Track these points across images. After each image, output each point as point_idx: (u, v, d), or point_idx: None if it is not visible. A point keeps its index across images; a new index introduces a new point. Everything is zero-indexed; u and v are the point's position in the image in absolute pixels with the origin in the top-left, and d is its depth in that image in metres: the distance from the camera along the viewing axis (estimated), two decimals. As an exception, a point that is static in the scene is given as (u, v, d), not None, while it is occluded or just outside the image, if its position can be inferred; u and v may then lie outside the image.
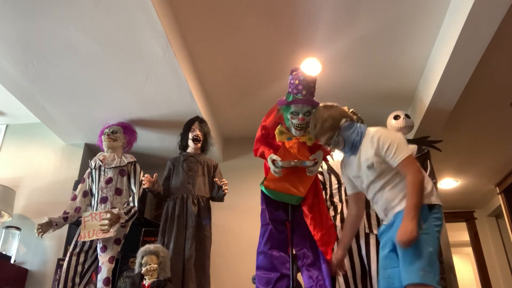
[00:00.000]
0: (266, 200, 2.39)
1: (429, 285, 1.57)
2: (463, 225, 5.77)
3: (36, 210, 3.45)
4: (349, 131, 1.95)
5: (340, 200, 2.68)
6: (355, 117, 2.90)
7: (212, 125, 3.54)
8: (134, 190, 2.87)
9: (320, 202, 2.42)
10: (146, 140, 3.57)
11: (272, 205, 2.38)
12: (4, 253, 3.18)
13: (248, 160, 3.71)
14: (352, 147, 1.95)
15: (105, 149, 3.04)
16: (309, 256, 2.27)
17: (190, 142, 2.99)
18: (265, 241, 2.30)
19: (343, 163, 2.08)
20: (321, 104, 2.09)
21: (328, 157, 2.77)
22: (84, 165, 3.50)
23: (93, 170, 2.94)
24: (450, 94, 2.97)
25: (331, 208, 2.73)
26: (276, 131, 2.33)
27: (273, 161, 2.20)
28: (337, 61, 3.04)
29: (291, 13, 2.64)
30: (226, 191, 2.84)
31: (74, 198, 2.91)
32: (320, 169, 2.82)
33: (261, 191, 2.38)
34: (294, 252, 2.30)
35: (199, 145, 3.00)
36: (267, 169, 2.41)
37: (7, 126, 3.93)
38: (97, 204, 2.82)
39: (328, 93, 3.08)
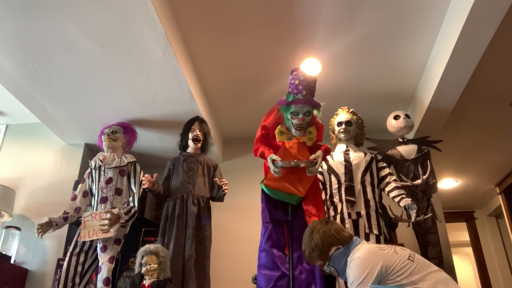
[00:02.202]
0: (266, 199, 2.39)
1: None
2: (463, 225, 5.77)
3: (36, 210, 3.45)
4: (340, 261, 1.82)
5: (340, 200, 2.69)
6: (355, 117, 2.93)
7: (212, 125, 3.54)
8: (134, 190, 2.87)
9: (322, 202, 2.43)
10: (146, 140, 3.56)
11: (272, 204, 2.38)
12: (4, 253, 3.18)
13: (248, 160, 3.71)
14: (343, 276, 1.84)
15: (105, 149, 3.04)
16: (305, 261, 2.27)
17: (190, 142, 3.00)
18: (266, 239, 2.30)
19: None
20: (315, 223, 1.95)
21: (328, 157, 2.77)
22: (84, 165, 3.50)
23: (93, 170, 2.94)
24: (450, 94, 2.97)
25: (331, 208, 2.73)
26: (276, 131, 2.33)
27: (273, 161, 2.20)
28: (337, 61, 3.04)
29: (291, 13, 2.64)
30: (226, 191, 2.84)
31: (74, 198, 2.91)
32: (320, 169, 2.82)
33: (262, 189, 2.38)
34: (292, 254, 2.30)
35: (199, 145, 3.00)
36: (266, 169, 2.41)
37: (7, 126, 3.93)
38: (97, 204, 2.82)
39: (328, 93, 3.08)
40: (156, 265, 2.37)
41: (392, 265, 1.65)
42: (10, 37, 2.54)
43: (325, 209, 2.77)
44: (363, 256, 1.71)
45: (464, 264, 6.33)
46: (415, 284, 1.60)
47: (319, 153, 2.27)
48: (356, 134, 2.91)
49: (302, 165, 2.21)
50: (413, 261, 1.66)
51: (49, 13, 2.35)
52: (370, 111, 3.34)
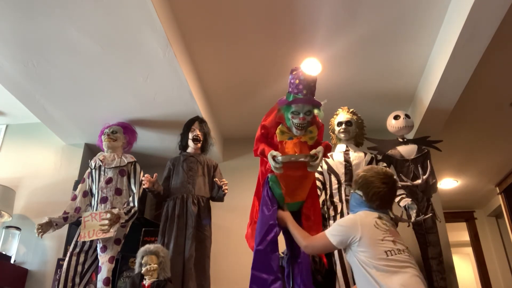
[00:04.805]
0: (274, 200, 2.32)
1: None
2: (463, 225, 5.77)
3: (36, 210, 3.45)
4: (353, 200, 1.95)
5: (340, 200, 2.69)
6: (355, 117, 2.93)
7: (212, 125, 3.54)
8: (134, 190, 2.87)
9: (319, 206, 2.43)
10: (146, 140, 3.56)
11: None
12: (4, 253, 3.18)
13: (248, 160, 3.71)
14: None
15: (105, 149, 3.04)
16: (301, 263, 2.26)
17: (190, 142, 3.00)
18: (266, 239, 2.25)
19: None
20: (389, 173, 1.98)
21: (328, 156, 2.77)
22: (84, 165, 3.50)
23: (93, 170, 2.94)
24: (450, 94, 2.97)
25: (331, 208, 2.73)
26: (277, 131, 2.32)
27: (273, 157, 2.19)
28: (337, 61, 3.04)
29: (291, 13, 2.64)
30: (226, 191, 2.84)
31: (74, 198, 2.91)
32: (320, 169, 2.82)
33: (267, 190, 2.32)
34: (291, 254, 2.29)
35: (199, 145, 3.00)
36: (262, 172, 2.40)
37: (7, 126, 3.93)
38: (97, 204, 2.82)
39: (328, 93, 3.07)
40: (156, 265, 2.37)
41: (369, 247, 1.70)
42: (10, 37, 2.54)
43: (325, 209, 2.77)
44: (355, 218, 1.82)
45: (464, 264, 6.33)
46: (377, 270, 1.65)
47: (319, 148, 2.24)
48: (356, 134, 2.91)
49: (302, 159, 2.20)
50: (386, 258, 1.68)
51: (49, 13, 2.35)
52: (370, 111, 3.34)
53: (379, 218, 1.81)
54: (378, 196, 1.85)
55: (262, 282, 2.14)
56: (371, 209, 1.85)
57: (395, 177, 1.98)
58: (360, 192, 1.90)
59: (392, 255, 1.68)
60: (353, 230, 1.76)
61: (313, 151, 2.21)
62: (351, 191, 1.98)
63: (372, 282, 1.63)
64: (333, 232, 1.82)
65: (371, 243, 1.71)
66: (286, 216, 2.14)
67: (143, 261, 2.39)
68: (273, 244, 2.24)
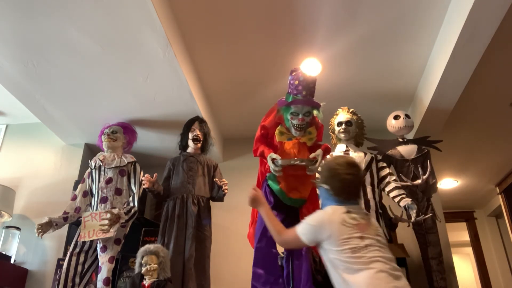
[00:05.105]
0: (274, 198, 2.33)
1: None
2: (463, 225, 5.77)
3: (36, 210, 3.45)
4: (321, 194, 1.91)
5: (340, 200, 2.68)
6: (355, 117, 2.93)
7: (212, 125, 3.54)
8: (134, 190, 2.87)
9: (319, 207, 2.42)
10: (146, 140, 3.56)
11: (275, 205, 2.36)
12: (4, 253, 3.18)
13: (248, 160, 3.70)
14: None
15: (105, 149, 3.04)
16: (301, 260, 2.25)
17: (190, 142, 3.00)
18: (269, 237, 2.26)
19: None
20: (335, 159, 1.95)
21: (328, 156, 2.76)
22: (84, 165, 3.50)
23: (93, 170, 2.94)
24: (450, 94, 2.97)
25: (331, 208, 2.72)
26: (276, 132, 2.33)
27: (273, 160, 2.19)
28: (337, 61, 3.04)
29: (291, 13, 2.64)
30: (226, 191, 2.84)
31: (74, 198, 2.91)
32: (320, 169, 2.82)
33: (267, 187, 2.34)
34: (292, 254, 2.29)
35: (199, 145, 3.00)
36: (261, 172, 2.40)
37: (7, 126, 3.93)
38: (97, 204, 2.82)
39: (328, 93, 3.08)
40: (156, 265, 2.37)
41: (336, 245, 1.66)
42: (10, 37, 2.54)
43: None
44: (322, 216, 1.76)
45: (464, 264, 6.33)
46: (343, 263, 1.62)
47: (319, 151, 2.25)
48: (356, 134, 2.90)
49: (302, 163, 2.20)
50: (352, 255, 1.64)
51: (49, 13, 2.35)
52: (370, 111, 3.33)
53: (348, 212, 1.74)
54: (344, 188, 1.78)
55: (264, 280, 2.14)
56: (339, 203, 1.78)
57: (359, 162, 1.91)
58: (326, 186, 1.82)
59: (358, 252, 1.63)
60: (321, 229, 1.72)
61: (312, 155, 2.21)
62: (318, 185, 1.90)
63: (340, 281, 1.61)
64: (303, 231, 1.78)
65: (338, 242, 1.67)
66: (262, 200, 2.03)
67: (143, 261, 2.39)
68: (272, 241, 2.25)
